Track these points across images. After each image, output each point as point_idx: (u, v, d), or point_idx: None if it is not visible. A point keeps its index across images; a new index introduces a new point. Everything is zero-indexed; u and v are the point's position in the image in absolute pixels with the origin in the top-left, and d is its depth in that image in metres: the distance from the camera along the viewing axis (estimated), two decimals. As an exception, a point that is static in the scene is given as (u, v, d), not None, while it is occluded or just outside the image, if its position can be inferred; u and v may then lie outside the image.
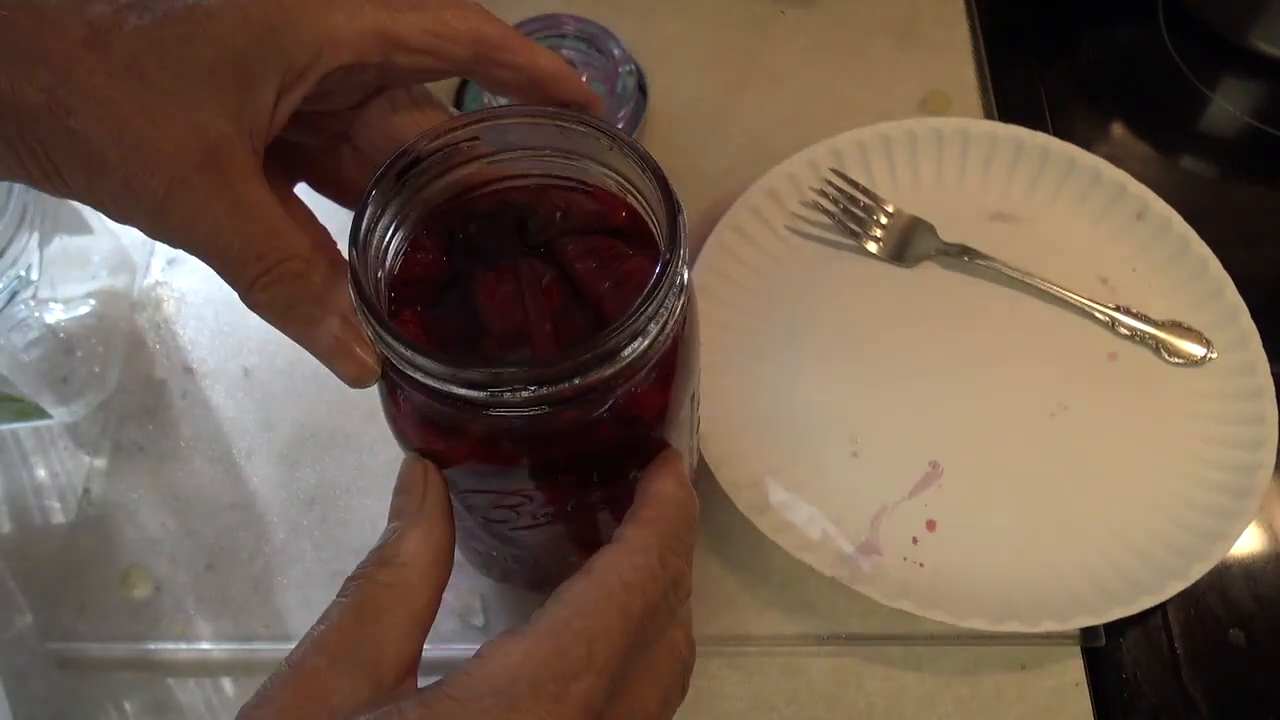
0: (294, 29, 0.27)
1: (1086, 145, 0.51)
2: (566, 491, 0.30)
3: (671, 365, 0.29)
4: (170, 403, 0.49)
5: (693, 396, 0.32)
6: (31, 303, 0.43)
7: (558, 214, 0.30)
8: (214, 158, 0.26)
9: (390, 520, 0.28)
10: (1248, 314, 0.46)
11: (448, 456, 0.28)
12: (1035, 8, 0.62)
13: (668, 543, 0.27)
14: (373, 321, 0.25)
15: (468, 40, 0.29)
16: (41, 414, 0.47)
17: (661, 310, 0.26)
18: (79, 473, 0.47)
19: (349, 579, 0.26)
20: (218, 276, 0.28)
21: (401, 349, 0.25)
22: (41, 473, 0.47)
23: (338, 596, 0.26)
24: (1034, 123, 0.54)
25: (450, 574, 0.28)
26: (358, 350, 0.28)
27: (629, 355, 0.25)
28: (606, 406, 0.27)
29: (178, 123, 0.25)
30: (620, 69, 0.53)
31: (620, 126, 0.52)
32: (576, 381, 0.25)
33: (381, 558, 0.26)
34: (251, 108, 0.27)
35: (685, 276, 0.27)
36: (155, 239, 0.27)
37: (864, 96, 0.57)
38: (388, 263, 0.29)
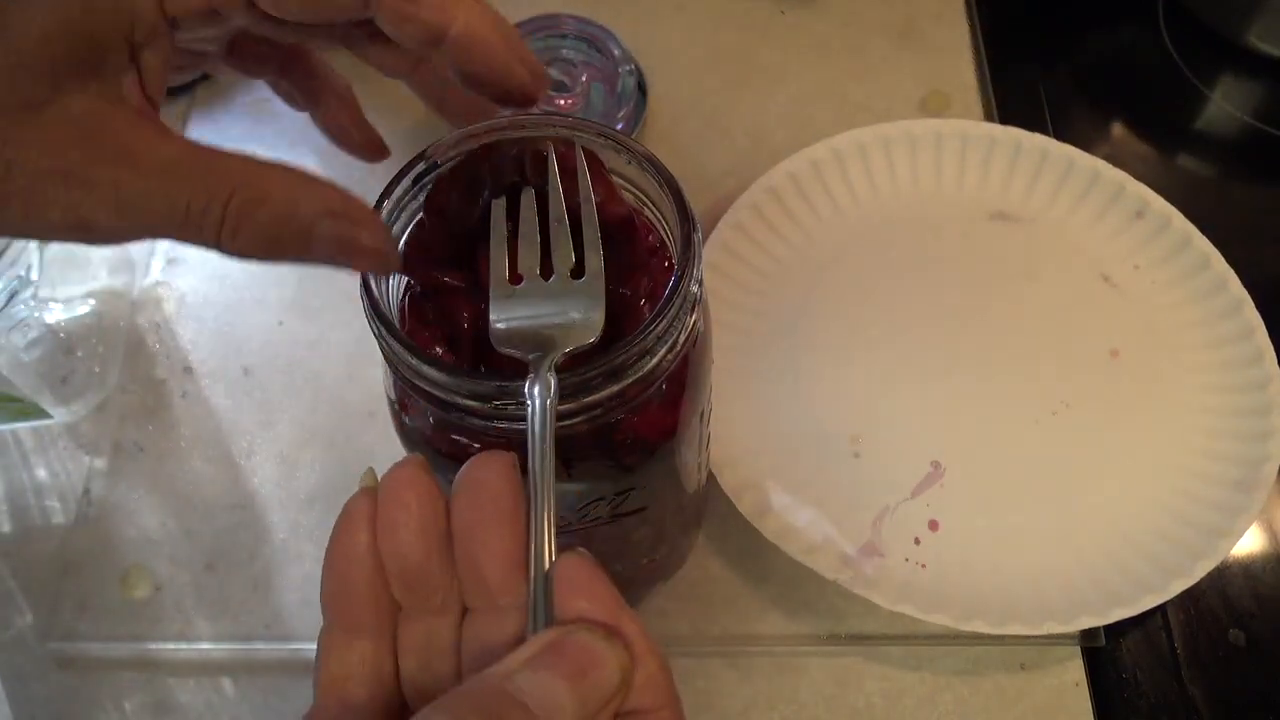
0: None
1: (1086, 145, 0.51)
2: (568, 505, 0.30)
3: (681, 382, 0.29)
4: (170, 403, 0.49)
5: (702, 414, 0.32)
6: (31, 303, 0.43)
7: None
8: (97, 137, 0.23)
9: None
10: (1252, 305, 0.46)
11: (452, 462, 0.28)
12: (1035, 8, 0.62)
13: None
14: (381, 329, 0.25)
15: None
16: (41, 414, 0.47)
17: (672, 327, 0.26)
18: (79, 473, 0.47)
19: None
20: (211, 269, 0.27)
21: (409, 358, 0.25)
22: (41, 473, 0.47)
23: None
24: (1034, 122, 0.54)
25: None
26: (365, 241, 0.25)
27: (637, 372, 0.25)
28: (613, 422, 0.27)
29: (41, 127, 0.23)
30: (620, 69, 0.53)
31: (620, 127, 0.52)
32: (583, 398, 0.25)
33: None
34: (111, 81, 0.24)
35: (698, 293, 0.27)
36: (120, 240, 0.25)
37: (864, 96, 0.57)
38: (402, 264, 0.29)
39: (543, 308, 0.27)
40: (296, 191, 0.24)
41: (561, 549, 0.22)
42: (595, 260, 0.27)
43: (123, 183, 0.23)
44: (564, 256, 0.27)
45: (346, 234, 0.25)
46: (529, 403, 0.24)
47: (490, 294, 0.27)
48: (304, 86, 0.33)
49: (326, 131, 0.34)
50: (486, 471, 0.22)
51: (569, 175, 0.28)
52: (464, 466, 0.23)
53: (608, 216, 0.28)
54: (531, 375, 0.24)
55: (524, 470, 0.23)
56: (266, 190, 0.24)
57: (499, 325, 0.26)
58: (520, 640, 0.22)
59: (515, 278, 0.27)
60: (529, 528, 0.22)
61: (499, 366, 0.27)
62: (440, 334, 0.29)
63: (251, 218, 0.24)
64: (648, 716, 0.22)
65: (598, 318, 0.26)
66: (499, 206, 0.28)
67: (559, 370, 0.25)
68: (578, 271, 0.27)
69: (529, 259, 0.27)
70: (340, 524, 0.23)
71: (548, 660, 0.20)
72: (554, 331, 0.26)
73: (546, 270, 0.27)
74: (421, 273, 0.29)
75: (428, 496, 0.23)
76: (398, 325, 0.26)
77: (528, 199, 0.28)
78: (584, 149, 0.29)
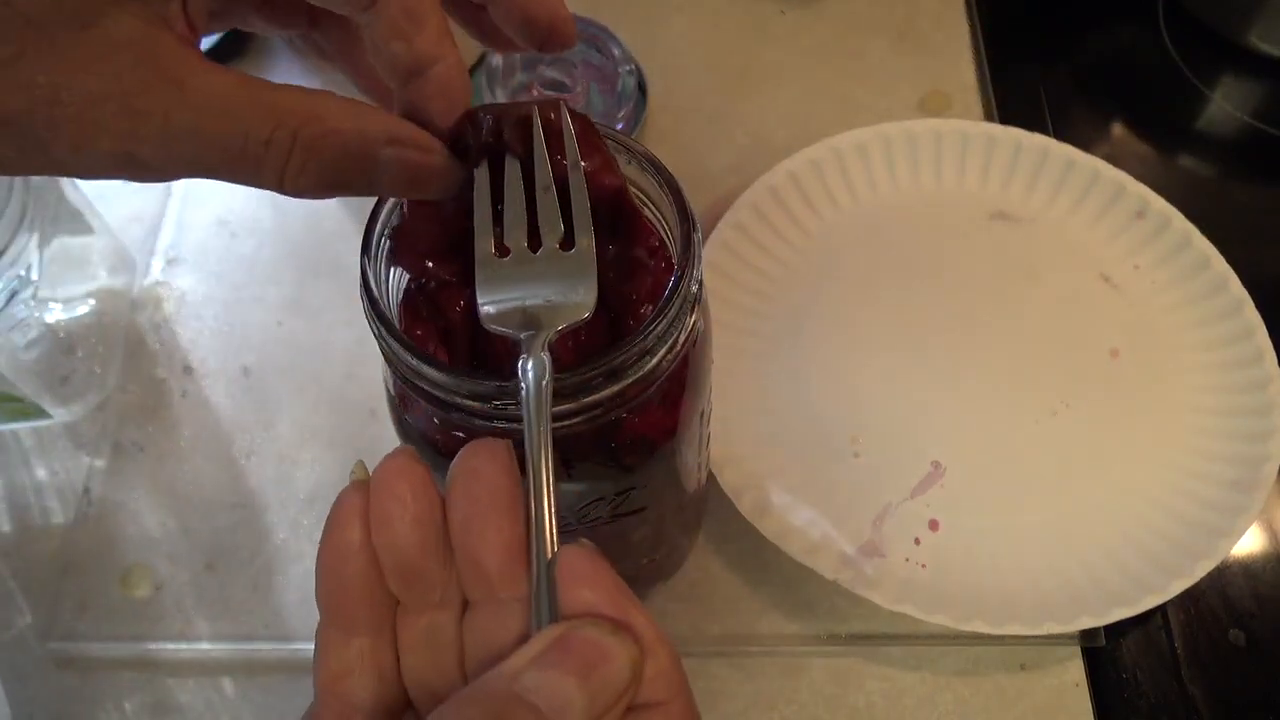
0: None
1: (1086, 145, 0.51)
2: (567, 505, 0.30)
3: (681, 382, 0.29)
4: (170, 403, 0.49)
5: (702, 414, 0.32)
6: (31, 303, 0.43)
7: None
8: (146, 62, 0.22)
9: None
10: (1252, 305, 0.46)
11: (450, 459, 0.28)
12: (1035, 8, 0.62)
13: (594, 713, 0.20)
14: (381, 329, 0.25)
15: None
16: (41, 414, 0.47)
17: (672, 327, 0.25)
18: (79, 473, 0.47)
19: None
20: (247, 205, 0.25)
21: (409, 357, 0.25)
22: (41, 473, 0.47)
23: None
24: (1034, 122, 0.54)
25: None
26: (431, 164, 0.24)
27: (637, 372, 0.25)
28: (613, 422, 0.27)
29: (89, 48, 0.21)
30: (620, 69, 0.53)
31: (620, 127, 0.52)
32: (583, 398, 0.25)
33: None
34: (157, 3, 0.22)
35: (698, 293, 0.27)
36: (169, 177, 0.23)
37: (864, 96, 0.57)
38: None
39: (531, 284, 0.25)
40: (362, 121, 0.23)
41: (563, 543, 0.22)
42: (585, 232, 0.26)
43: (173, 113, 0.22)
44: (552, 228, 0.26)
45: (413, 159, 0.24)
46: (522, 384, 0.23)
47: (476, 270, 0.26)
48: (336, 38, 0.32)
49: (359, 83, 0.33)
50: (482, 460, 0.22)
51: (556, 138, 0.27)
52: (458, 455, 0.22)
53: (602, 187, 0.27)
54: (524, 355, 0.24)
55: (522, 461, 0.22)
56: (331, 122, 0.23)
57: (486, 304, 0.25)
58: (524, 635, 0.21)
59: (502, 250, 0.26)
60: (528, 517, 0.22)
61: (498, 361, 0.27)
62: (435, 329, 0.28)
63: (320, 150, 0.23)
64: (659, 709, 0.21)
65: (589, 292, 0.25)
66: (482, 174, 0.27)
67: (559, 365, 0.24)
68: (567, 244, 0.26)
69: (515, 231, 0.26)
70: (332, 519, 0.22)
71: (555, 658, 0.20)
72: (544, 309, 0.25)
73: (534, 243, 0.26)
74: (412, 262, 0.28)
75: (421, 488, 0.22)
76: (397, 325, 0.26)
77: (512, 168, 0.27)
78: (573, 113, 0.27)
